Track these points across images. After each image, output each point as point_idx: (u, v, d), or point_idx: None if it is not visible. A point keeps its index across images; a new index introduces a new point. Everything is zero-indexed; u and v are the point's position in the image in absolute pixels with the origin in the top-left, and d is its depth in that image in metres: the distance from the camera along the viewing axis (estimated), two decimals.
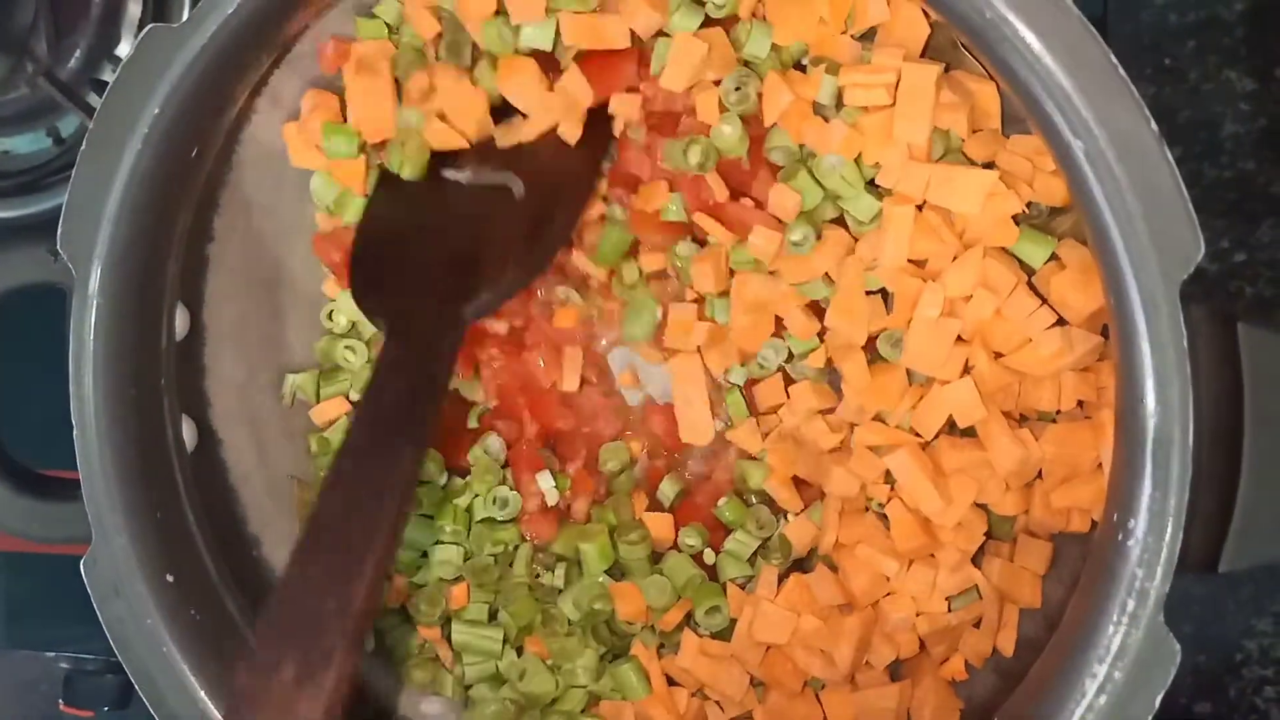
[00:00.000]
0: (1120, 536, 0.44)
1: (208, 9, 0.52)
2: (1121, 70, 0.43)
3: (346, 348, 0.68)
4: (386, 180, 0.64)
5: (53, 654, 0.85)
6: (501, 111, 0.62)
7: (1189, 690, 0.69)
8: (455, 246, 0.61)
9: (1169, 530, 0.44)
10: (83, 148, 0.53)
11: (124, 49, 0.79)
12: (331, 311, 0.69)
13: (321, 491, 0.52)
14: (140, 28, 0.78)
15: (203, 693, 0.55)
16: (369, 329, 0.68)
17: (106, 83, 0.78)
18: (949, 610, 0.61)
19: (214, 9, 0.52)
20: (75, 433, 0.55)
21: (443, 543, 0.67)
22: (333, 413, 0.69)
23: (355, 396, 0.69)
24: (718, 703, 0.65)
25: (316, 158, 0.64)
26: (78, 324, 0.54)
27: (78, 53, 0.78)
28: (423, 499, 0.67)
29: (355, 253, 0.63)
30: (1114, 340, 0.46)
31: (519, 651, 0.67)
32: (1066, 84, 0.43)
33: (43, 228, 0.74)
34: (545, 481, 0.66)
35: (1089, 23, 0.44)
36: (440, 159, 0.63)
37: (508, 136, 0.62)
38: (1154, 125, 0.43)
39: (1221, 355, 0.46)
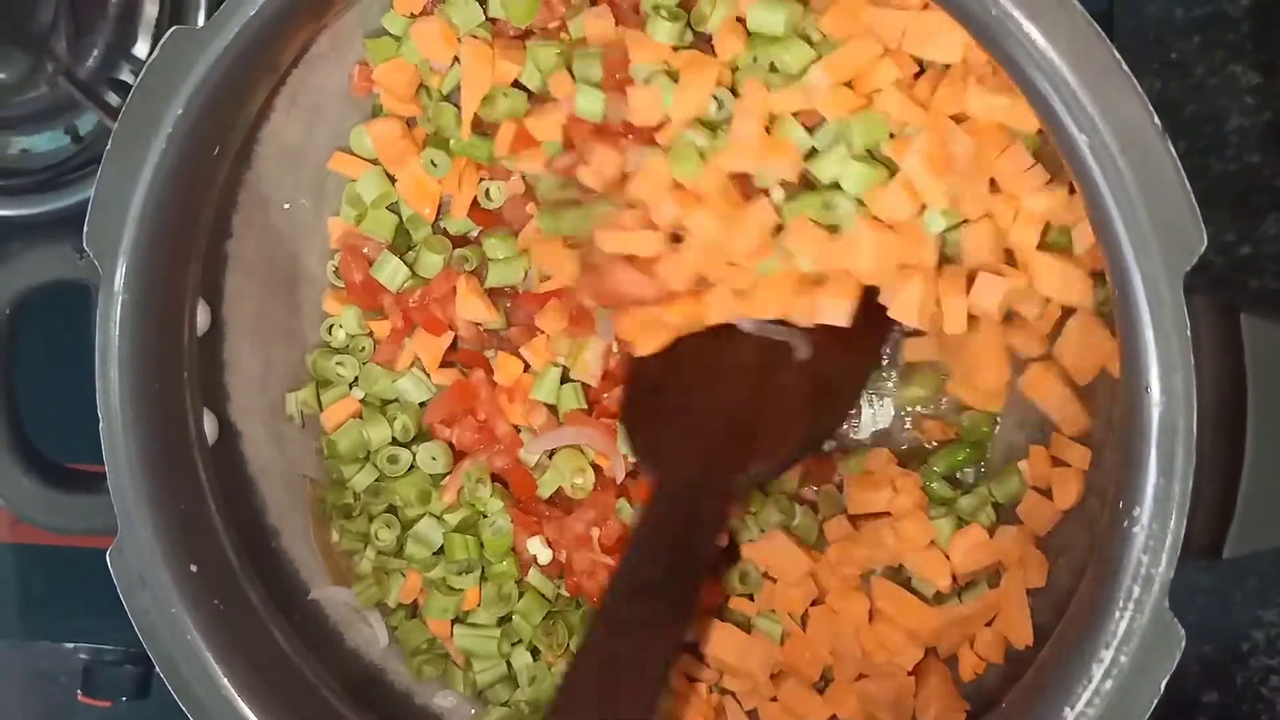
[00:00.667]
0: (1125, 523, 0.45)
1: (229, 12, 0.53)
2: (1125, 66, 0.44)
3: (338, 363, 0.69)
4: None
5: (71, 645, 0.86)
6: None
7: (1196, 680, 0.70)
8: (736, 405, 0.57)
9: (1173, 517, 0.44)
10: (108, 147, 0.54)
11: (141, 48, 0.80)
12: (331, 326, 0.70)
13: (579, 661, 0.51)
14: (157, 27, 0.79)
15: (226, 680, 0.56)
16: (363, 345, 0.69)
17: (124, 82, 0.79)
18: (960, 601, 0.62)
19: (235, 11, 0.53)
20: (101, 425, 0.56)
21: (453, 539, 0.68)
22: (340, 416, 0.70)
23: (359, 394, 0.70)
24: (737, 700, 0.65)
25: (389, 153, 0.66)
26: (103, 320, 0.55)
27: (96, 52, 0.79)
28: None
29: (632, 382, 0.60)
30: (1118, 330, 0.46)
31: (535, 654, 0.68)
32: (1071, 79, 0.44)
33: (62, 225, 0.76)
34: (536, 547, 0.67)
35: (1093, 19, 0.44)
36: None
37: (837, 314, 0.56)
38: (1157, 120, 0.44)
39: (1224, 344, 0.47)
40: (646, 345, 0.59)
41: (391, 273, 0.67)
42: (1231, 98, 0.71)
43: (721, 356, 0.58)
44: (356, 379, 0.70)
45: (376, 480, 0.69)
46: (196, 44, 0.53)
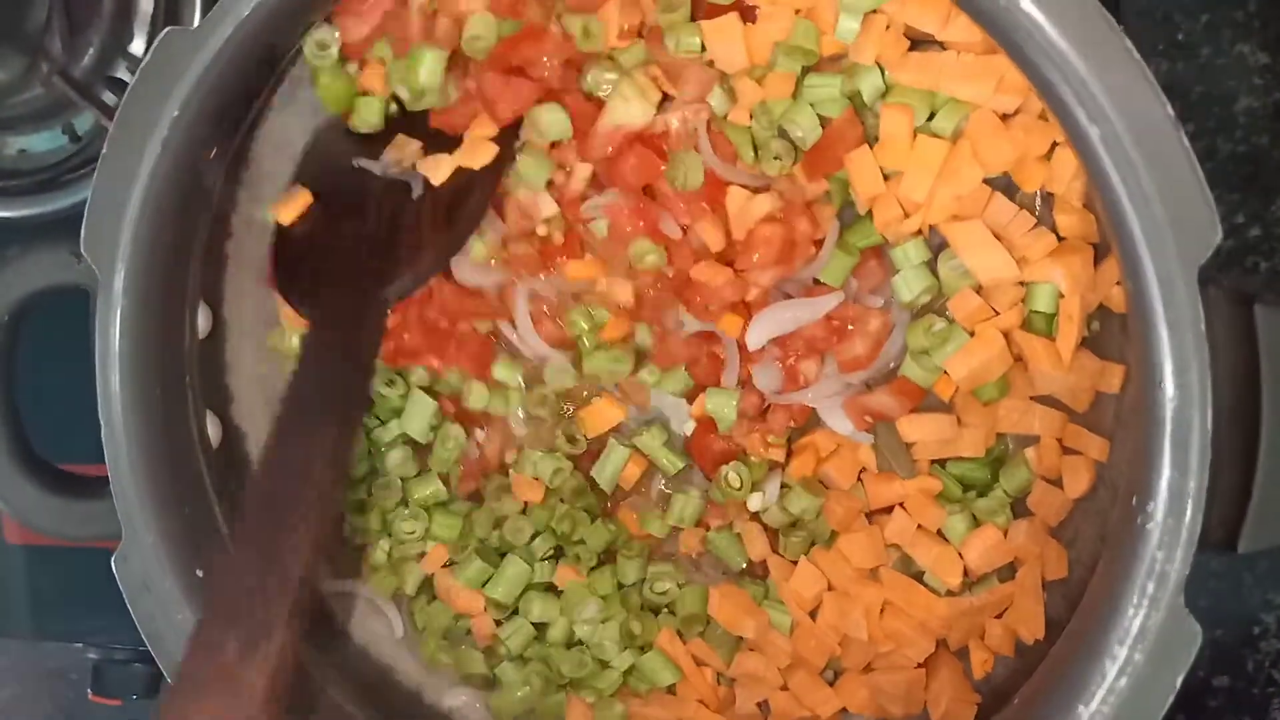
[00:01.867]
0: (1139, 520, 0.45)
1: (223, 12, 0.52)
2: (1137, 55, 0.43)
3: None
4: (303, 172, 0.65)
5: (81, 644, 0.86)
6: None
7: (1207, 664, 0.70)
8: (371, 234, 0.63)
9: (1188, 513, 0.44)
10: (103, 151, 0.54)
11: (137, 46, 0.79)
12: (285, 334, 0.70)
13: (254, 475, 0.55)
14: (153, 24, 0.78)
15: None
16: None
17: (121, 80, 0.78)
18: (971, 594, 0.62)
19: (229, 11, 0.52)
20: (103, 432, 0.56)
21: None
22: None
23: None
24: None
25: None
26: (103, 325, 0.55)
27: (91, 50, 0.78)
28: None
29: (276, 248, 0.64)
30: (1132, 324, 0.46)
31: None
32: (1082, 70, 0.43)
33: (62, 225, 0.75)
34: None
35: (1103, 7, 0.44)
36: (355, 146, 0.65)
37: (435, 172, 0.63)
38: (1170, 110, 0.43)
39: (1239, 335, 0.46)
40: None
41: None
42: (1240, 78, 0.70)
43: (356, 198, 0.64)
44: None
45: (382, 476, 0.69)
46: (190, 45, 0.52)
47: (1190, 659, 0.45)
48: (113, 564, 0.56)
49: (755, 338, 0.63)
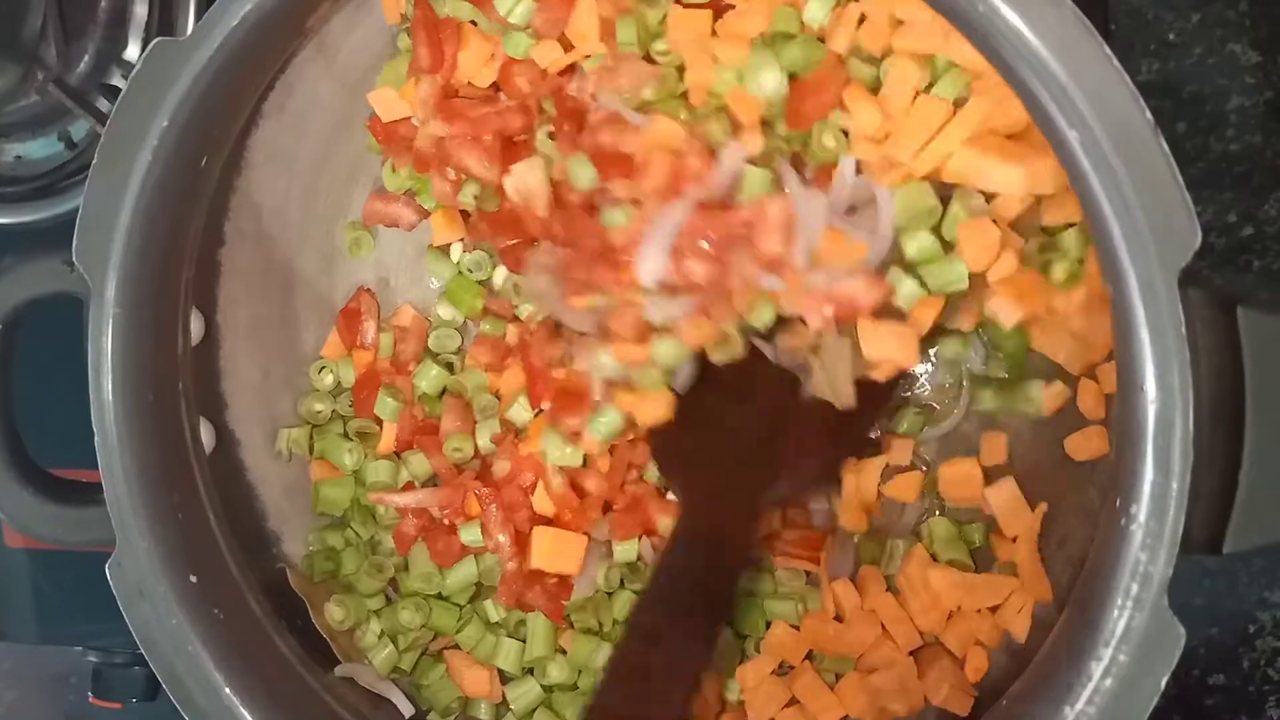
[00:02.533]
0: (1123, 521, 0.45)
1: (212, 22, 0.52)
2: (1116, 61, 0.43)
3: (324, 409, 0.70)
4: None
5: (82, 648, 0.86)
6: None
7: (1203, 663, 0.70)
8: (757, 427, 0.59)
9: (1171, 514, 0.44)
10: (94, 161, 0.54)
11: (132, 52, 0.80)
12: (322, 368, 0.70)
13: (611, 671, 0.52)
14: (147, 30, 0.79)
15: (228, 690, 0.56)
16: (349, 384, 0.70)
17: (116, 87, 0.79)
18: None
19: (218, 22, 0.52)
20: (96, 439, 0.56)
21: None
22: (325, 473, 0.70)
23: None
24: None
25: None
26: (95, 333, 0.55)
27: (86, 57, 0.78)
28: None
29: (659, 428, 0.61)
30: (1113, 327, 0.46)
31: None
32: (1061, 75, 0.43)
33: (58, 231, 0.76)
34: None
35: (1085, 6, 0.44)
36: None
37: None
38: (1149, 115, 0.43)
39: (1222, 337, 0.46)
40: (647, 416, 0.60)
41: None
42: (1231, 77, 0.70)
43: (742, 382, 0.59)
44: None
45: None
46: (180, 55, 0.53)
47: (1174, 660, 0.45)
48: (107, 570, 0.56)
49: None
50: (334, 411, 0.70)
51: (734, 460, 0.58)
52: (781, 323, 0.59)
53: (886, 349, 0.56)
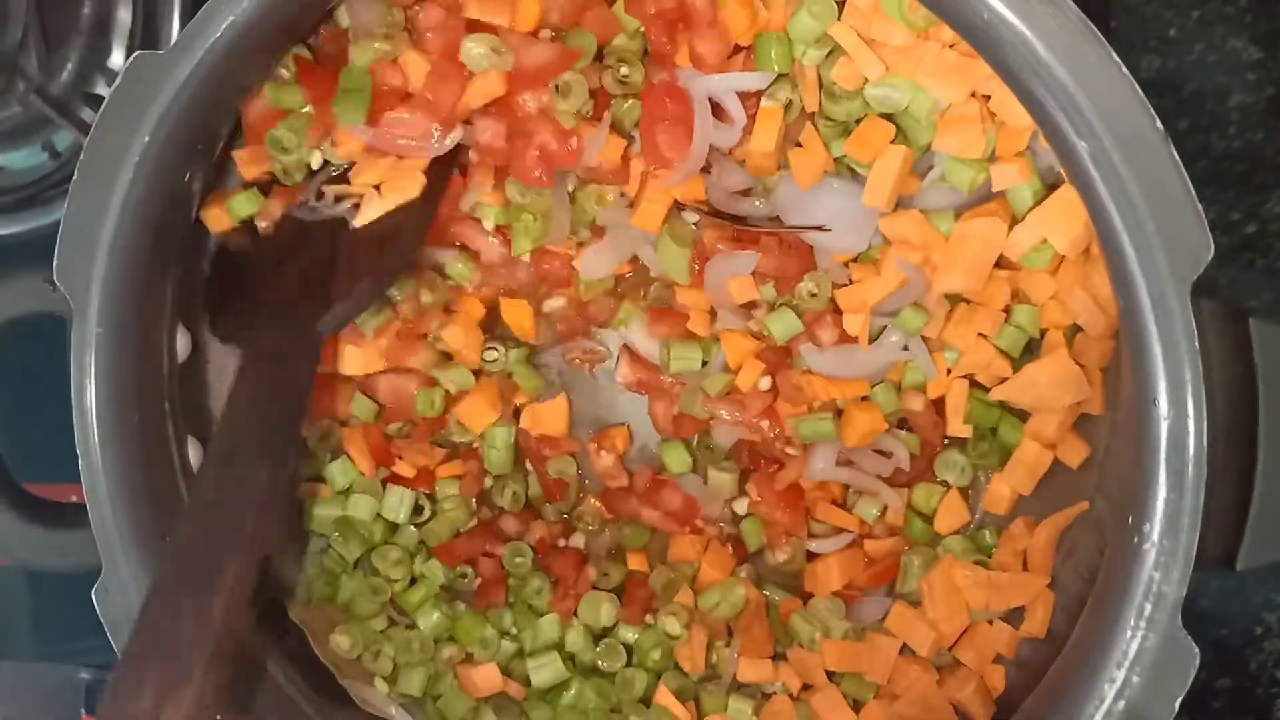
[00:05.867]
0: (1136, 540, 0.44)
1: (192, 35, 0.51)
2: (1125, 69, 0.42)
3: None
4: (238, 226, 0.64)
5: (75, 664, 0.86)
6: None
7: (1209, 665, 0.68)
8: (304, 271, 0.62)
9: (1184, 533, 0.43)
10: (74, 178, 0.53)
11: (116, 59, 0.79)
12: None
13: (181, 516, 0.54)
14: (131, 37, 0.77)
15: (219, 717, 0.55)
16: None
17: (99, 96, 0.78)
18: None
19: (199, 35, 0.51)
20: (80, 464, 0.55)
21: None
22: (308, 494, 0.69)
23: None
24: None
25: None
26: (78, 354, 0.54)
27: (69, 66, 0.77)
28: None
29: (208, 287, 0.64)
30: (1125, 342, 0.45)
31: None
32: (1069, 85, 0.42)
33: (42, 244, 0.74)
34: None
35: (1090, 20, 0.43)
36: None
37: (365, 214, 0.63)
38: (1159, 124, 0.42)
39: (1235, 350, 0.45)
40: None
41: None
42: (1232, 74, 0.70)
43: (289, 242, 0.63)
44: None
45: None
46: (160, 70, 0.51)
47: (1188, 681, 0.44)
48: (93, 595, 0.55)
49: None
50: None
51: (285, 300, 0.61)
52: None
53: None
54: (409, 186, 0.62)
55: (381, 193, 0.62)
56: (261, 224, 0.63)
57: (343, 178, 0.63)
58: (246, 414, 0.56)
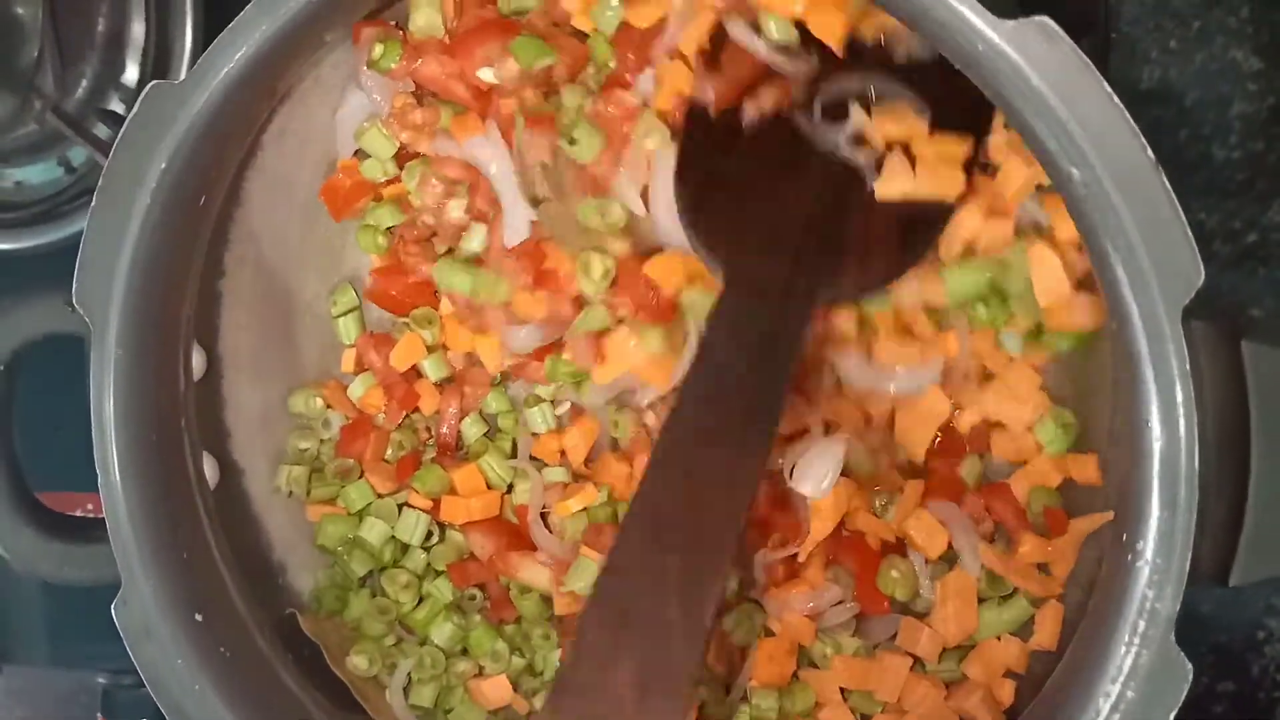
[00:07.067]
0: (1129, 557, 0.45)
1: (208, 64, 0.52)
2: (1117, 99, 0.43)
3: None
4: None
5: (91, 670, 0.87)
6: None
7: (1211, 669, 0.69)
8: (813, 211, 0.51)
9: (1178, 551, 0.44)
10: (93, 203, 0.54)
11: (130, 75, 0.79)
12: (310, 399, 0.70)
13: (651, 476, 0.44)
14: (145, 54, 0.78)
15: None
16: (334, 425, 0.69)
17: (114, 112, 0.79)
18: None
19: (214, 63, 0.52)
20: (99, 481, 0.56)
21: None
22: (319, 515, 0.69)
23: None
24: None
25: None
26: (97, 375, 0.55)
27: (84, 83, 0.78)
28: None
29: (683, 167, 0.54)
30: (1118, 364, 0.46)
31: None
32: (1062, 113, 0.43)
33: (60, 259, 0.75)
34: None
35: (1081, 51, 0.43)
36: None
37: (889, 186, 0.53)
38: (1150, 153, 0.43)
39: (1226, 369, 0.46)
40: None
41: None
42: (1234, 84, 0.70)
43: (789, 153, 0.53)
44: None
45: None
46: (176, 97, 0.52)
47: (1181, 697, 0.45)
48: (113, 610, 0.56)
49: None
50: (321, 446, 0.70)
51: (785, 237, 0.51)
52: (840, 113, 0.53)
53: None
54: (948, 181, 0.52)
55: (916, 171, 0.52)
56: (749, 114, 0.54)
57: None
58: (733, 366, 0.46)
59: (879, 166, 0.53)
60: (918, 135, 0.53)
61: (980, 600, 0.61)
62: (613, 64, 0.59)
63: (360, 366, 0.70)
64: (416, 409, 0.70)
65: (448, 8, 0.61)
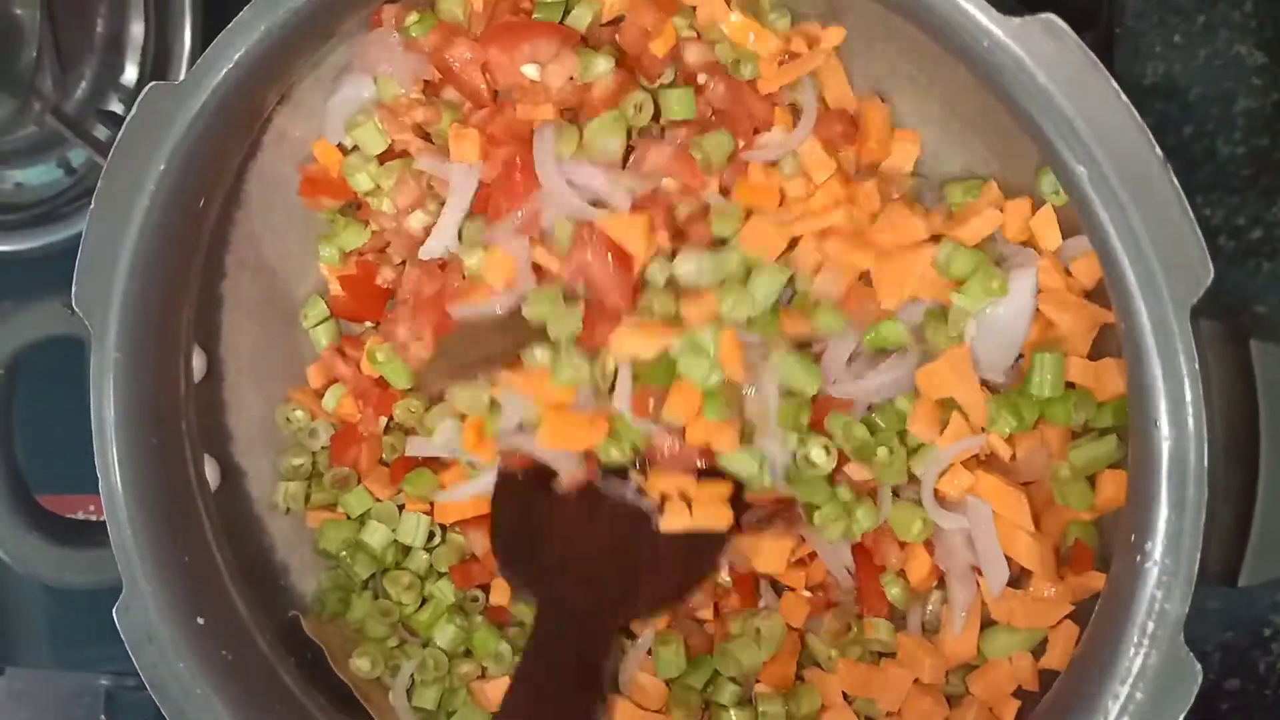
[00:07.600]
0: (1138, 559, 0.45)
1: (207, 65, 0.52)
2: (1124, 96, 0.43)
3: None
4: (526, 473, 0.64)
5: (94, 672, 0.87)
6: None
7: (1218, 667, 0.69)
8: (612, 552, 0.62)
9: (1186, 552, 0.44)
10: (92, 206, 0.54)
11: (130, 76, 0.79)
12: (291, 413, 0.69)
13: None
14: (144, 53, 0.78)
15: None
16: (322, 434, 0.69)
17: (114, 113, 0.78)
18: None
19: (213, 65, 0.52)
20: (100, 485, 0.56)
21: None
22: (319, 521, 0.69)
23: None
24: None
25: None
26: (97, 378, 0.55)
27: (83, 84, 0.78)
28: None
29: (498, 523, 0.64)
30: (1126, 363, 0.45)
31: None
32: (1069, 111, 0.42)
33: (62, 259, 0.75)
34: None
35: (1087, 47, 0.43)
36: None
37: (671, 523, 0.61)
38: (1159, 150, 0.42)
39: (1234, 369, 0.46)
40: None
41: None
42: (1238, 79, 0.70)
43: (592, 511, 0.63)
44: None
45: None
46: (175, 99, 0.52)
47: (1191, 698, 0.45)
48: (114, 614, 0.56)
49: None
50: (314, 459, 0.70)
51: (588, 576, 0.61)
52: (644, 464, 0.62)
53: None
54: (717, 517, 0.60)
55: (692, 511, 0.61)
56: (564, 483, 0.62)
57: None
58: (551, 684, 0.56)
59: (661, 507, 0.61)
60: (687, 486, 0.61)
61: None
62: None
63: (329, 378, 0.70)
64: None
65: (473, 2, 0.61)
